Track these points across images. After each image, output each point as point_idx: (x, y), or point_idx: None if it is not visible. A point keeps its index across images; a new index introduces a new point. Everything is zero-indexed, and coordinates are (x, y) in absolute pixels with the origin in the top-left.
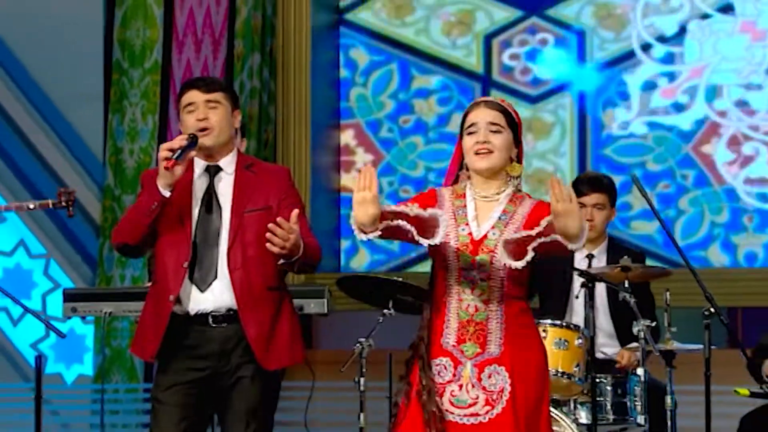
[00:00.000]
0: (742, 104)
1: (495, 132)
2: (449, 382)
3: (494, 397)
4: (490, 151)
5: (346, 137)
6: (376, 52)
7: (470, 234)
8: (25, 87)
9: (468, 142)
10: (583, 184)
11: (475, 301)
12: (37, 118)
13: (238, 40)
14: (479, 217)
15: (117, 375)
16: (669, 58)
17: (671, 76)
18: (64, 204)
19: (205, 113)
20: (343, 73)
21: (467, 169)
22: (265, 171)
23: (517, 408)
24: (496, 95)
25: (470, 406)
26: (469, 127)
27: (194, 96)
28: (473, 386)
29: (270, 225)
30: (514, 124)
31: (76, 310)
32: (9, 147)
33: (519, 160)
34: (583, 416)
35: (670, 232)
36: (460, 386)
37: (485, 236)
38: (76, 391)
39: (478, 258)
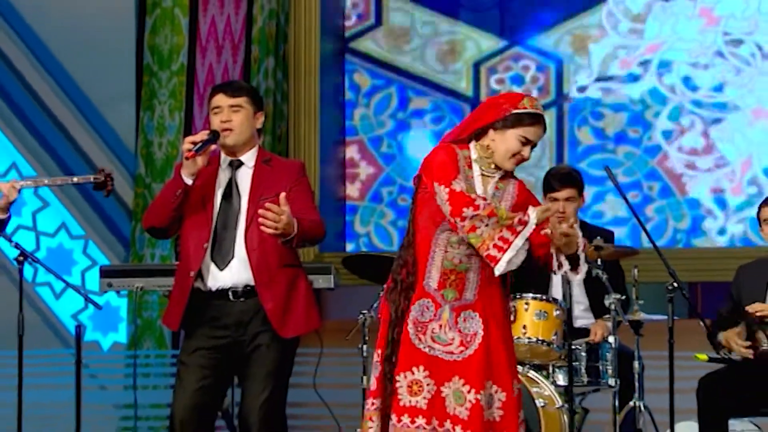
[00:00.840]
0: (686, 80)
1: (533, 148)
2: (430, 321)
3: (468, 339)
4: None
5: (351, 152)
6: (377, 76)
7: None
8: (68, 88)
9: (513, 146)
10: (555, 180)
11: (460, 255)
12: (78, 115)
13: (254, 46)
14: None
15: (147, 342)
16: (631, 34)
17: (630, 49)
18: (103, 180)
19: (228, 116)
20: (348, 95)
21: (481, 146)
22: (280, 165)
23: (490, 350)
24: None
25: (447, 345)
26: (523, 137)
27: (220, 100)
28: (450, 328)
29: (260, 210)
30: None
31: (112, 284)
32: (53, 141)
33: None
34: (561, 379)
35: (637, 215)
36: (440, 326)
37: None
38: (111, 357)
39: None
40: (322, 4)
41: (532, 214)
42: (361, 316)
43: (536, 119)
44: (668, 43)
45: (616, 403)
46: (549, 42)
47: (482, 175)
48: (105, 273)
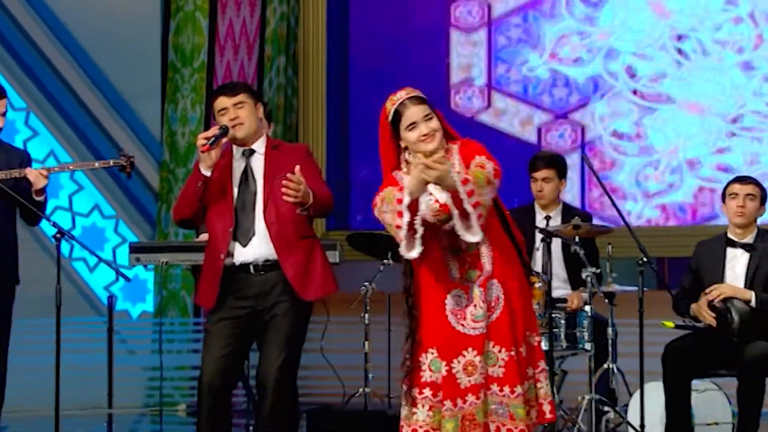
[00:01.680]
0: (629, 69)
1: (429, 119)
2: (467, 306)
3: (492, 304)
4: (433, 135)
5: (354, 140)
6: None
7: (437, 201)
8: (100, 84)
9: (412, 136)
10: (537, 160)
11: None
12: (109, 108)
13: (267, 45)
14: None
15: (172, 311)
16: (586, 20)
17: (582, 35)
18: (124, 164)
19: (235, 113)
20: (351, 89)
21: (409, 154)
22: (288, 148)
23: (513, 309)
24: None
25: (481, 321)
26: (410, 125)
27: (223, 102)
28: (483, 302)
29: (284, 182)
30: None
31: (140, 259)
32: (87, 131)
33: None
34: (542, 344)
35: (611, 196)
36: (474, 305)
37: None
38: (139, 324)
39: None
40: (329, 8)
41: (405, 189)
42: (363, 288)
43: (404, 105)
44: (618, 33)
45: (592, 366)
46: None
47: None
48: (134, 249)
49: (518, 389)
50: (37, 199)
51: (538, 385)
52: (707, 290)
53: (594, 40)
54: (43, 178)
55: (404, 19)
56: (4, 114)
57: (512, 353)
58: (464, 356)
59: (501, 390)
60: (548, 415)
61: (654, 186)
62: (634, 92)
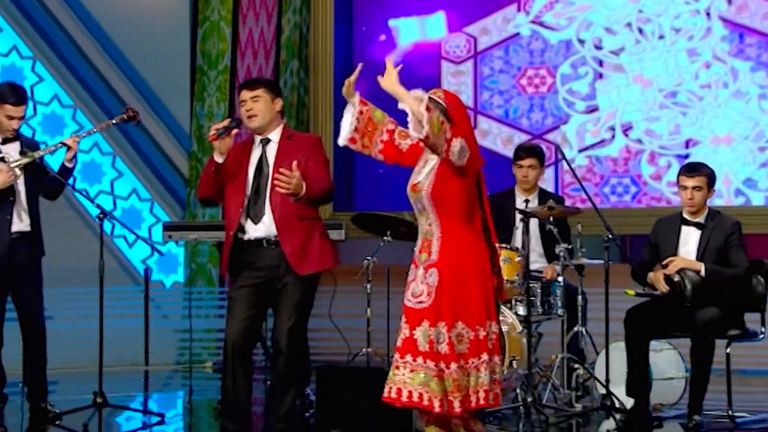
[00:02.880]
0: (597, 39)
1: None
2: (413, 281)
3: (429, 290)
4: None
5: None
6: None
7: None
8: (138, 84)
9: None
10: (522, 150)
11: (424, 225)
12: (146, 105)
13: (282, 50)
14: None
15: (200, 281)
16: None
17: (566, 4)
18: (132, 116)
19: (251, 105)
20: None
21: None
22: (300, 138)
23: (446, 298)
24: None
25: (419, 296)
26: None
27: (244, 95)
28: (422, 282)
29: (276, 174)
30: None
31: (172, 237)
32: (129, 129)
33: None
34: (521, 310)
35: (581, 182)
36: (416, 282)
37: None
38: (172, 293)
39: (415, 195)
40: (336, 19)
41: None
42: (366, 261)
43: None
44: (595, 7)
45: (564, 329)
46: None
47: None
48: (167, 228)
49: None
50: (69, 165)
51: (478, 373)
52: (664, 261)
53: (572, 11)
54: (76, 144)
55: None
56: (22, 118)
57: (431, 333)
58: (399, 322)
59: (424, 362)
60: (482, 402)
61: (590, 139)
62: (594, 59)
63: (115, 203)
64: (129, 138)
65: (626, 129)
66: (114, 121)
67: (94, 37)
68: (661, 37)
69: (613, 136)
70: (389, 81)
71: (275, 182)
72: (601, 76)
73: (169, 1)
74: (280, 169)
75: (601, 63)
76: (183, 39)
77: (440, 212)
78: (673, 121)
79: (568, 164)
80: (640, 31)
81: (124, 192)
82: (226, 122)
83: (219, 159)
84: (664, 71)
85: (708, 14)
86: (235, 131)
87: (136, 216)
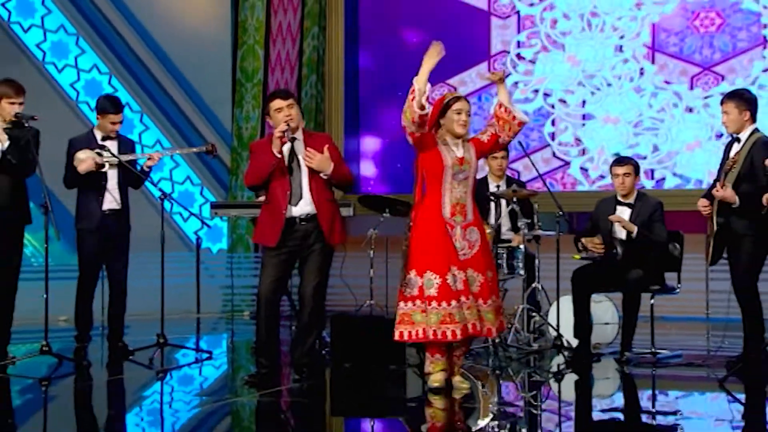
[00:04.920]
0: (562, 101)
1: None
2: (457, 239)
3: (471, 244)
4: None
5: (364, 134)
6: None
7: (456, 156)
8: (192, 95)
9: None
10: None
11: (460, 192)
12: (197, 110)
13: (304, 68)
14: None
15: (239, 248)
16: (526, 73)
17: (525, 83)
18: (209, 150)
19: (288, 112)
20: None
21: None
22: (317, 136)
23: (483, 249)
24: None
25: (462, 250)
26: (459, 112)
27: (279, 103)
28: (462, 238)
29: (304, 150)
30: None
31: (217, 213)
32: (182, 127)
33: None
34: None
35: (537, 169)
36: (457, 240)
37: (463, 157)
38: (218, 258)
39: (463, 167)
40: (345, 42)
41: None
42: (370, 232)
43: (456, 99)
44: (549, 78)
45: (524, 285)
46: None
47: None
48: (213, 206)
49: (489, 302)
50: (146, 170)
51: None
52: (611, 217)
53: (534, 85)
54: (157, 159)
55: (392, 78)
56: (121, 122)
57: (484, 278)
58: (451, 271)
59: (476, 301)
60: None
61: (594, 173)
62: (567, 115)
63: (173, 187)
64: (183, 135)
65: (546, 95)
66: (195, 150)
67: (158, 59)
68: (609, 84)
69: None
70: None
71: (304, 157)
72: (578, 125)
73: (215, 29)
74: (308, 149)
75: (572, 116)
76: (226, 59)
77: (473, 183)
78: (649, 143)
79: (530, 160)
80: (592, 85)
81: (180, 178)
82: (284, 127)
83: (279, 155)
84: (624, 108)
85: (635, 58)
86: (288, 134)
87: (190, 197)
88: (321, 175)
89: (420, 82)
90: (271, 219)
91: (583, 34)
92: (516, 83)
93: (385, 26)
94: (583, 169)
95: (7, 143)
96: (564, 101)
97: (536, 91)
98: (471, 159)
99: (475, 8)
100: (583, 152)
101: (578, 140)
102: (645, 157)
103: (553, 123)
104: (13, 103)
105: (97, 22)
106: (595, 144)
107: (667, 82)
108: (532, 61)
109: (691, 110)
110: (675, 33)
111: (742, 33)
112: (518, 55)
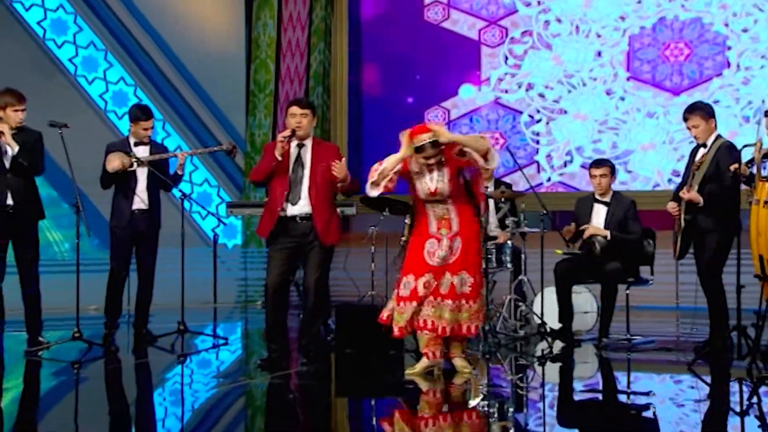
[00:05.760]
0: (541, 95)
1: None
2: (436, 250)
3: (453, 252)
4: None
5: (366, 142)
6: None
7: (429, 189)
8: (208, 104)
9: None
10: None
11: (441, 209)
12: (214, 118)
13: (311, 80)
14: (429, 177)
15: (252, 244)
16: (514, 66)
17: (512, 75)
18: (230, 150)
19: (299, 120)
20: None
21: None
22: (326, 145)
23: (466, 254)
24: None
25: (445, 258)
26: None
27: (295, 110)
28: (446, 249)
29: (332, 164)
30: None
31: (233, 212)
32: (200, 132)
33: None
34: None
35: (525, 175)
36: (441, 249)
37: (436, 188)
38: (233, 252)
39: (437, 197)
40: (349, 57)
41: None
42: (370, 230)
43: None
44: (534, 73)
45: (511, 277)
46: None
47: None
48: (229, 206)
49: (448, 302)
50: (180, 173)
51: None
52: (581, 227)
53: (519, 78)
54: (183, 158)
55: (394, 93)
56: (152, 128)
57: (454, 281)
58: (424, 277)
59: (443, 300)
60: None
61: (557, 162)
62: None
63: (192, 188)
64: (201, 140)
65: (578, 151)
66: (216, 149)
67: (179, 72)
68: (585, 84)
69: (572, 158)
70: (445, 134)
71: (333, 169)
72: (551, 119)
73: (231, 45)
74: (334, 161)
75: (549, 110)
76: (240, 72)
77: (459, 197)
78: (610, 140)
79: (518, 165)
80: (569, 83)
81: (198, 180)
82: (287, 132)
83: (279, 157)
84: (593, 107)
85: (612, 64)
86: (293, 138)
87: (208, 197)
88: (338, 184)
89: (390, 162)
90: (268, 214)
91: (570, 37)
92: (505, 74)
93: (384, 43)
94: (548, 156)
95: (17, 148)
96: (542, 95)
97: (520, 85)
98: (444, 187)
99: (465, 38)
100: (551, 142)
101: (549, 131)
102: (604, 153)
103: (530, 115)
104: (17, 111)
105: (124, 38)
106: (562, 136)
107: (636, 86)
108: (521, 57)
109: (652, 115)
110: (648, 61)
111: (708, 62)
112: (510, 51)
